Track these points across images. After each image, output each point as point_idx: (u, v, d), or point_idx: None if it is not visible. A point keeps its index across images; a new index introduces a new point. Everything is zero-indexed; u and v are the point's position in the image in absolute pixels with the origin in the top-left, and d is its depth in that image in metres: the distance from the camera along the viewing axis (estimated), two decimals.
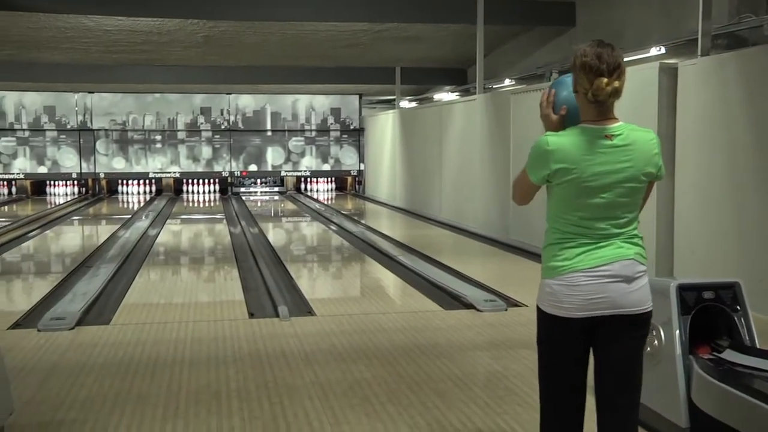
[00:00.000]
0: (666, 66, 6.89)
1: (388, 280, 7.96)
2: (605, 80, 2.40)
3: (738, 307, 3.45)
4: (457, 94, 16.39)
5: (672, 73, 6.81)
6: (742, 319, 3.43)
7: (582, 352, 2.55)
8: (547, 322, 2.56)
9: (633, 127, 2.50)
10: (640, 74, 7.18)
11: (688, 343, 3.36)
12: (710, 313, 3.47)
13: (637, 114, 7.16)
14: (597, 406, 2.57)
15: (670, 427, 3.36)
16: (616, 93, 2.43)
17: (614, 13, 10.08)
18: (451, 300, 6.65)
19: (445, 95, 16.96)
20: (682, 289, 3.44)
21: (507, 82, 13.30)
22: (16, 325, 5.73)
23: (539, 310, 2.59)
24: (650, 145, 2.49)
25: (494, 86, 13.70)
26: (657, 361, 3.44)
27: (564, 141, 2.44)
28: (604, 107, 2.46)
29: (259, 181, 20.32)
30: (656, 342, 3.45)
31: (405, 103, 19.22)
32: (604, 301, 2.45)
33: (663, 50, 8.79)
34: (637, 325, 2.51)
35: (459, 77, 16.72)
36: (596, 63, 2.41)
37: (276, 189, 20.22)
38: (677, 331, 3.36)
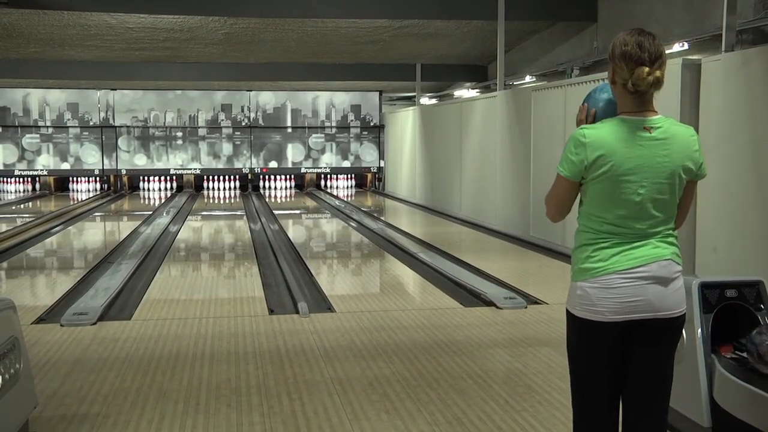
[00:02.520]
0: (689, 62, 6.82)
1: (408, 277, 7.95)
2: (646, 69, 2.29)
3: (762, 306, 3.41)
4: (477, 90, 16.34)
5: (695, 69, 6.74)
6: (766, 318, 3.39)
7: (618, 359, 2.41)
8: (579, 328, 2.43)
9: (673, 121, 2.41)
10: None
11: (711, 341, 3.33)
12: (733, 312, 3.43)
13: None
14: (624, 410, 2.47)
15: (692, 426, 3.33)
16: (658, 83, 2.33)
17: (637, 8, 10.00)
18: (470, 297, 6.64)
19: (465, 92, 16.91)
20: (705, 287, 3.40)
21: (528, 78, 13.24)
22: (40, 320, 5.79)
23: (570, 315, 2.45)
24: (691, 141, 2.41)
25: (515, 83, 13.64)
26: (679, 360, 3.40)
27: (601, 132, 2.33)
28: (644, 98, 2.36)
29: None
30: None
31: (425, 100, 19.20)
32: (642, 304, 2.33)
33: (686, 46, 8.70)
34: (673, 328, 2.42)
35: (479, 74, 16.66)
36: (637, 52, 2.30)
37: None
38: (699, 330, 3.32)
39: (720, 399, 3.20)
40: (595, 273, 2.35)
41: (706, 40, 8.41)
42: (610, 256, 2.34)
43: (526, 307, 6.16)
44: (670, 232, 2.42)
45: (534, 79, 13.04)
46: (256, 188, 19.90)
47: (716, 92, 6.51)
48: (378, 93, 20.33)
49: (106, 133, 19.49)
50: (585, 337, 2.43)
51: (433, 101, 19.13)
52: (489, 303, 6.30)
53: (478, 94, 15.56)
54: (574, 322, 2.44)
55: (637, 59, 2.30)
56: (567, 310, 2.47)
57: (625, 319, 2.34)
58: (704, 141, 6.77)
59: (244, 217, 13.64)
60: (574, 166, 2.35)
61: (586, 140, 2.32)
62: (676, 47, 8.79)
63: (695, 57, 7.17)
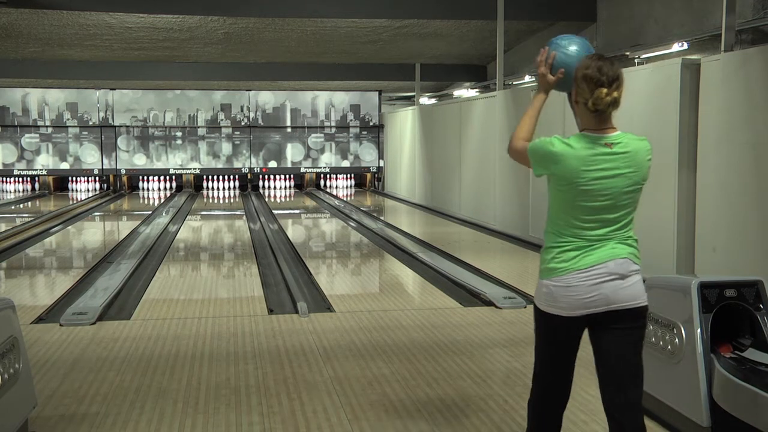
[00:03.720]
0: (689, 62, 6.82)
1: (407, 276, 7.95)
2: (605, 90, 2.53)
3: (761, 306, 3.41)
4: (476, 90, 16.34)
5: (695, 69, 6.75)
6: (765, 318, 3.39)
7: (577, 346, 2.72)
8: (545, 320, 2.69)
9: (631, 135, 2.64)
10: (662, 70, 7.12)
11: (710, 341, 3.33)
12: (732, 312, 3.43)
13: (659, 110, 7.10)
14: (602, 393, 2.70)
15: (691, 426, 3.33)
16: (615, 103, 2.56)
17: (636, 8, 10.00)
18: (470, 297, 6.64)
19: (464, 92, 16.91)
20: (704, 287, 3.40)
21: (527, 78, 13.23)
22: (39, 320, 5.79)
23: (537, 309, 2.72)
24: (645, 153, 2.64)
25: (514, 82, 13.64)
26: (678, 359, 3.41)
27: (567, 147, 2.57)
28: (604, 116, 2.59)
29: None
30: (677, 340, 3.42)
31: (425, 100, 19.20)
32: (599, 299, 2.57)
33: (686, 46, 8.70)
34: (633, 318, 2.61)
35: (479, 74, 16.66)
36: (597, 75, 2.54)
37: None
38: (698, 330, 3.33)
39: (719, 399, 3.20)
40: (558, 273, 2.60)
41: (706, 40, 8.41)
42: (571, 258, 2.59)
43: (525, 307, 6.16)
44: (630, 235, 2.66)
45: (533, 79, 13.04)
46: (256, 188, 19.90)
47: (715, 92, 6.51)
48: (377, 93, 20.33)
49: (105, 133, 19.48)
50: (550, 328, 2.69)
51: (433, 101, 19.13)
52: (488, 303, 6.30)
53: (477, 93, 15.56)
54: (540, 315, 2.71)
55: (597, 81, 2.53)
56: (534, 305, 2.73)
57: (584, 314, 2.60)
58: (703, 141, 6.81)
59: (244, 217, 13.64)
60: (539, 170, 2.66)
61: (554, 149, 2.59)
62: (676, 47, 8.79)
63: (694, 57, 7.17)
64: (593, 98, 2.54)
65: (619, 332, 2.61)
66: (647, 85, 7.33)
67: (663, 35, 9.30)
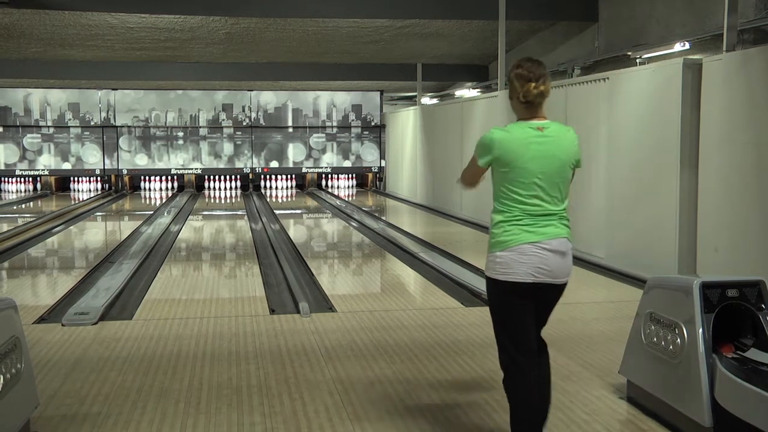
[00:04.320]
0: (690, 62, 6.82)
1: (409, 276, 7.95)
2: (533, 84, 3.03)
3: (763, 306, 3.41)
4: (478, 90, 16.33)
5: (696, 69, 6.74)
6: (767, 318, 3.39)
7: (530, 311, 3.07)
8: (501, 289, 3.03)
9: (558, 124, 3.11)
10: (664, 70, 7.12)
11: (712, 341, 3.33)
12: (734, 312, 3.43)
13: (661, 110, 7.10)
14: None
15: (693, 426, 3.33)
16: (542, 95, 3.05)
17: (637, 8, 9.99)
18: (471, 297, 6.63)
19: (466, 92, 16.91)
20: (706, 287, 3.40)
21: None
22: (41, 320, 5.80)
23: (491, 280, 3.06)
24: (573, 138, 3.11)
25: None
26: (679, 359, 3.41)
27: (505, 134, 3.05)
28: (533, 107, 3.07)
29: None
30: (678, 340, 3.42)
31: (426, 100, 19.19)
32: (546, 271, 3.00)
33: (687, 46, 8.70)
34: (559, 291, 3.14)
35: (480, 74, 16.66)
36: (526, 73, 3.06)
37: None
38: (700, 330, 3.32)
39: (721, 399, 3.20)
40: (511, 244, 2.99)
41: (707, 40, 8.41)
42: (522, 231, 2.99)
43: None
44: (565, 214, 3.08)
45: None
46: (257, 188, 19.91)
47: (717, 92, 6.50)
48: (379, 93, 20.33)
49: (107, 133, 19.50)
50: (506, 295, 3.04)
51: (434, 101, 19.12)
52: None
53: (479, 93, 15.56)
54: (495, 285, 3.05)
55: (526, 78, 3.05)
56: (487, 277, 3.07)
57: (533, 281, 2.99)
58: (705, 141, 6.80)
59: (245, 217, 13.65)
60: (485, 158, 3.08)
61: (494, 137, 3.06)
62: (677, 47, 8.78)
63: (696, 57, 7.17)
64: (524, 91, 3.04)
65: (550, 303, 3.16)
66: (649, 85, 7.32)
67: (665, 35, 9.30)
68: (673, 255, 6.87)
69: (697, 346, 3.31)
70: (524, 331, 3.05)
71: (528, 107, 3.06)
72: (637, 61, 9.67)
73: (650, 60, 9.21)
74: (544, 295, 3.08)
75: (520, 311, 3.03)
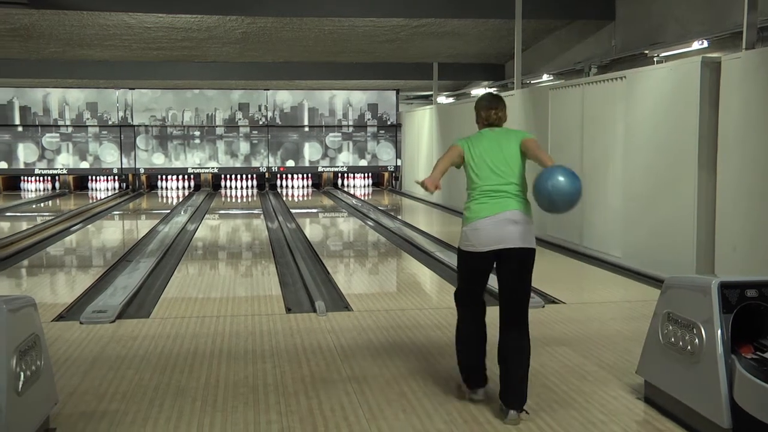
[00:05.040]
0: (709, 60, 6.76)
1: (425, 276, 7.95)
2: (493, 111, 3.99)
3: None
4: (494, 89, 16.29)
5: (715, 68, 6.68)
6: None
7: (486, 276, 3.84)
8: (464, 258, 3.83)
9: (509, 128, 4.00)
10: (682, 69, 7.07)
11: (731, 342, 3.30)
12: (754, 312, 3.40)
13: (678, 110, 7.05)
14: (500, 308, 3.82)
15: (711, 427, 3.30)
16: (499, 119, 4.00)
17: (655, 5, 9.93)
18: (487, 297, 6.61)
19: (482, 91, 16.88)
20: (724, 287, 3.37)
21: (545, 77, 13.19)
22: (60, 318, 5.85)
23: (458, 250, 3.85)
24: (519, 132, 3.94)
25: (532, 81, 13.59)
26: (697, 360, 3.39)
27: (465, 139, 3.95)
28: (492, 125, 3.99)
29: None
30: (697, 341, 3.39)
31: (442, 99, 19.17)
32: (500, 239, 3.65)
33: (706, 44, 8.63)
34: (523, 256, 3.69)
35: (497, 73, 16.62)
36: (487, 104, 4.03)
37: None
38: (719, 330, 3.30)
39: (740, 400, 3.17)
40: (470, 220, 3.75)
41: (726, 38, 8.34)
42: (478, 210, 3.72)
43: (543, 307, 6.13)
44: (519, 193, 3.74)
45: (551, 78, 12.99)
46: (273, 187, 19.97)
47: (736, 90, 6.45)
48: (395, 92, 20.33)
49: (124, 132, 19.63)
50: (468, 262, 3.82)
51: (450, 100, 19.10)
52: None
53: (495, 92, 15.51)
54: (460, 254, 3.84)
55: (488, 107, 4.01)
56: (458, 248, 3.85)
57: (489, 249, 3.67)
58: (724, 139, 6.74)
59: (262, 216, 13.69)
60: (455, 160, 3.90)
61: (460, 143, 3.93)
62: (695, 45, 8.73)
63: (715, 55, 7.11)
64: (486, 115, 4.00)
65: (513, 264, 3.69)
66: (666, 83, 7.27)
67: (682, 33, 9.23)
68: (690, 254, 6.82)
69: (715, 347, 3.29)
70: (472, 292, 3.92)
71: (488, 125, 4.00)
72: (655, 59, 9.61)
73: (668, 59, 9.15)
74: (505, 260, 3.70)
75: (477, 275, 3.85)
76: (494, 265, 3.77)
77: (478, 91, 17.05)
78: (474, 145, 3.87)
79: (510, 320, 3.77)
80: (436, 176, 3.81)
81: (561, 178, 3.44)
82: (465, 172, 3.87)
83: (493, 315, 3.93)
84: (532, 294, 6.42)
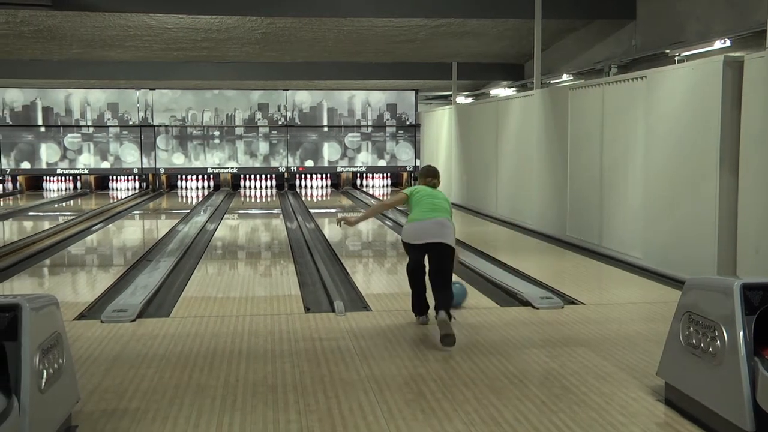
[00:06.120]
0: (731, 59, 6.70)
1: None
2: (431, 179, 5.77)
3: None
4: (514, 89, 16.24)
5: (737, 67, 6.62)
6: None
7: (423, 259, 5.43)
8: (405, 246, 5.51)
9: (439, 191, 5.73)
10: (704, 68, 7.01)
11: (753, 344, 3.27)
12: None
13: (700, 110, 6.99)
14: (430, 279, 5.33)
15: (733, 430, 3.27)
16: (434, 186, 5.73)
17: (676, 4, 9.85)
18: (507, 297, 6.61)
19: (501, 91, 16.82)
20: (747, 288, 3.34)
21: (565, 77, 13.13)
22: (81, 317, 5.90)
23: (402, 242, 5.55)
24: (444, 195, 5.69)
25: (552, 81, 13.54)
26: (719, 361, 3.36)
27: (415, 188, 5.70)
28: (430, 185, 5.74)
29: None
30: (718, 342, 3.36)
31: (461, 99, 19.14)
32: (426, 235, 5.33)
33: (728, 43, 8.55)
34: (443, 247, 5.31)
35: (516, 72, 16.56)
36: (427, 173, 5.85)
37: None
38: (741, 332, 3.27)
39: (763, 402, 3.14)
40: (411, 220, 5.46)
41: (749, 37, 8.26)
42: (420, 216, 5.42)
43: (562, 307, 6.11)
44: (447, 216, 5.49)
45: (571, 78, 12.93)
46: (293, 187, 20.03)
47: (759, 90, 6.38)
48: (414, 92, 20.33)
49: (145, 133, 19.77)
50: (408, 250, 5.50)
51: (470, 100, 19.06)
52: (525, 303, 6.26)
53: (514, 92, 15.47)
54: (404, 243, 5.53)
55: (427, 175, 5.81)
56: (402, 240, 5.57)
57: (419, 242, 5.34)
58: (746, 140, 6.68)
59: (281, 216, 13.74)
60: (409, 191, 5.70)
61: (411, 191, 5.65)
62: (717, 44, 8.64)
63: (737, 54, 7.04)
64: (426, 181, 5.75)
65: (437, 252, 5.30)
66: (688, 83, 7.21)
67: (704, 32, 9.15)
68: (712, 256, 6.76)
69: (737, 349, 3.26)
70: (417, 268, 5.46)
71: (428, 185, 5.74)
72: (676, 59, 9.53)
73: (689, 58, 9.08)
74: (431, 250, 5.32)
75: (414, 257, 5.46)
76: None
77: (498, 91, 17.01)
78: (417, 192, 5.65)
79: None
80: (359, 219, 6.02)
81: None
82: (410, 205, 5.60)
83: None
84: (550, 295, 6.54)
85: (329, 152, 20.26)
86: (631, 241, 8.16)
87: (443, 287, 5.27)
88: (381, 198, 17.69)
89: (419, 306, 5.64)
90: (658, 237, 7.65)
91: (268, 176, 20.23)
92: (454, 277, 5.46)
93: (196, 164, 19.99)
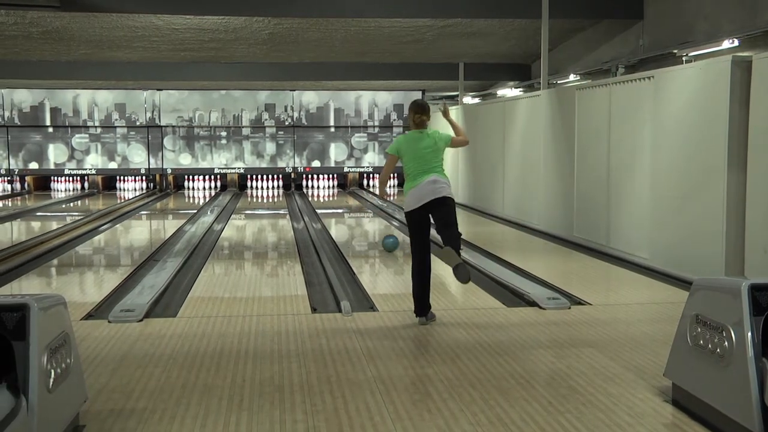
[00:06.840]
0: (739, 59, 6.68)
1: (450, 276, 7.90)
2: (419, 115, 5.71)
3: None
4: (521, 89, 16.22)
5: (746, 67, 6.60)
6: None
7: (427, 226, 5.63)
8: (408, 215, 5.63)
9: (436, 130, 5.83)
10: (712, 68, 6.98)
11: (761, 345, 3.25)
12: None
13: (708, 109, 6.96)
14: (438, 232, 5.58)
15: (741, 431, 3.26)
16: (422, 123, 5.71)
17: (684, 4, 9.82)
18: (513, 297, 6.60)
19: (508, 91, 16.80)
20: (755, 289, 3.33)
21: (572, 77, 13.10)
22: (89, 316, 5.92)
23: (405, 211, 5.67)
24: (442, 133, 5.79)
25: (559, 81, 13.51)
26: (727, 363, 3.35)
27: (402, 138, 5.76)
28: (421, 125, 5.73)
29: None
30: (726, 343, 3.35)
31: (468, 99, 19.12)
32: (424, 196, 5.49)
33: (737, 42, 8.52)
34: (443, 201, 5.52)
35: (523, 73, 16.54)
36: (416, 108, 5.74)
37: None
38: (749, 333, 3.26)
39: None
40: (407, 189, 5.60)
41: (758, 36, 8.23)
42: (414, 183, 5.57)
43: (569, 308, 6.10)
44: (440, 170, 5.65)
45: (578, 78, 12.90)
46: (299, 187, 20.04)
47: (767, 90, 6.35)
48: (421, 92, 20.31)
49: (152, 133, 19.83)
50: (410, 218, 5.63)
51: (476, 100, 19.04)
52: (532, 303, 6.25)
53: (521, 93, 15.45)
54: (406, 213, 5.65)
55: (415, 111, 5.72)
56: (404, 210, 5.67)
57: (420, 204, 5.50)
58: (754, 139, 6.65)
59: (287, 216, 13.75)
60: (393, 151, 5.75)
61: (398, 143, 5.72)
62: (726, 44, 8.61)
63: (746, 54, 7.01)
64: (414, 117, 5.69)
65: (439, 208, 5.51)
66: (696, 83, 7.19)
67: (712, 32, 9.12)
68: (719, 256, 6.73)
69: (745, 350, 3.24)
70: (420, 234, 5.64)
71: (417, 126, 5.71)
72: (683, 59, 9.50)
73: (697, 58, 9.05)
74: (433, 207, 5.50)
75: (417, 227, 5.62)
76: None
77: (505, 92, 16.99)
78: (411, 144, 5.71)
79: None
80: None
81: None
82: (403, 162, 5.72)
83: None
84: (557, 295, 6.52)
85: (336, 152, 20.27)
86: (638, 241, 8.13)
87: (453, 235, 5.53)
88: (388, 198, 17.69)
89: (419, 306, 5.70)
90: (665, 237, 7.63)
91: (275, 176, 20.26)
92: (392, 230, 5.78)
93: (203, 164, 20.03)
